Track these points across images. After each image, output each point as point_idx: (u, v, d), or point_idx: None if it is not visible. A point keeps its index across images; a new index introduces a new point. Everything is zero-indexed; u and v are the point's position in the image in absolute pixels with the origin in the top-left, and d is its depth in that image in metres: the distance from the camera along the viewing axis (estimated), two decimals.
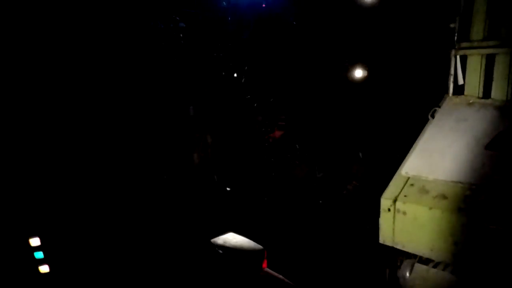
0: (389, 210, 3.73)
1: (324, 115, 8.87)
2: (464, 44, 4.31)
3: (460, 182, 3.50)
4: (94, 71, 7.35)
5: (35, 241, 5.52)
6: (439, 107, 4.33)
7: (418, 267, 3.60)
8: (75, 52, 7.13)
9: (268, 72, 9.06)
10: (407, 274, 3.68)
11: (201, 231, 5.69)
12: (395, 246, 3.67)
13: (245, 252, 4.69)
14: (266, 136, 9.00)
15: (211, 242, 5.03)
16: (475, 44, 4.24)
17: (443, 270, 3.47)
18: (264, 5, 8.88)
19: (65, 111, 6.86)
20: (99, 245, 6.12)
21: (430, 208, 3.44)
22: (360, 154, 8.32)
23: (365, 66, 8.62)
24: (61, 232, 5.91)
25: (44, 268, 5.57)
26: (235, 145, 8.73)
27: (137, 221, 6.70)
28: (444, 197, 3.47)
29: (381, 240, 3.78)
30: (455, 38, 4.36)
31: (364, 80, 8.67)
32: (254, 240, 4.85)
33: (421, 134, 4.17)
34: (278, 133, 9.06)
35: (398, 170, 3.95)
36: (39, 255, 5.53)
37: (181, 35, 8.22)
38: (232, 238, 5.07)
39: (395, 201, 3.70)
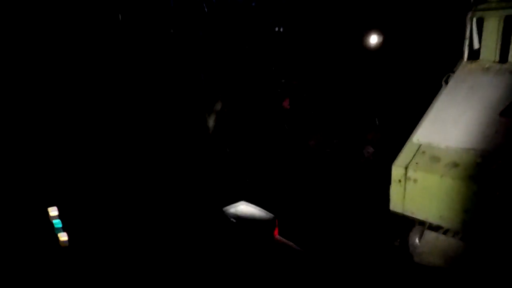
0: (400, 177, 3.79)
1: (339, 81, 8.82)
2: (481, 6, 4.22)
3: (472, 149, 3.53)
4: (108, 49, 7.43)
5: (53, 211, 5.74)
6: (454, 72, 4.29)
7: (428, 234, 3.69)
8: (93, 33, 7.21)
9: (282, 38, 8.99)
10: (417, 241, 3.78)
11: (214, 200, 5.84)
12: (405, 214, 3.76)
13: (256, 221, 4.82)
14: (282, 103, 9.04)
15: (223, 211, 5.16)
16: (493, 5, 4.15)
17: (453, 237, 3.55)
18: None
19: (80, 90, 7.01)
20: (114, 214, 6.33)
21: (441, 176, 3.50)
22: (376, 121, 8.32)
23: (380, 31, 8.49)
24: (79, 201, 6.13)
25: (63, 236, 5.80)
26: (249, 112, 8.83)
27: (152, 191, 6.88)
28: (455, 164, 3.51)
29: (391, 207, 3.87)
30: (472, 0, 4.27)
31: (379, 46, 8.56)
32: (265, 209, 4.97)
33: (434, 101, 4.17)
34: (286, 101, 9.06)
35: (410, 138, 3.98)
36: (57, 224, 5.76)
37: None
38: (243, 207, 5.19)
39: (406, 168, 3.75)
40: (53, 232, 5.70)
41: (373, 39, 8.71)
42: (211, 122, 8.72)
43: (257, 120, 8.84)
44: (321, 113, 8.93)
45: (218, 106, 8.78)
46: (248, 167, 8.10)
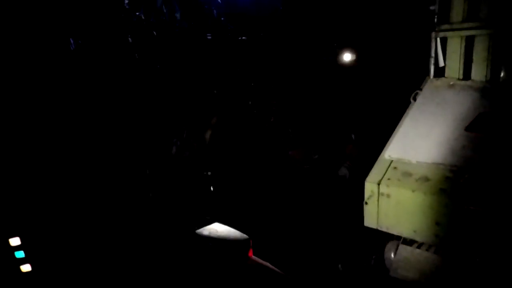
0: (373, 193, 3.90)
1: (315, 98, 9.09)
2: (444, 26, 4.48)
3: (442, 164, 3.69)
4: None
5: (15, 241, 5.57)
6: (421, 89, 4.51)
7: (402, 248, 3.80)
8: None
9: (257, 58, 9.24)
10: (392, 255, 3.88)
11: (186, 222, 5.81)
12: (379, 229, 3.86)
13: (230, 242, 4.82)
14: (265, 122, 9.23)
15: (196, 233, 5.13)
16: (455, 26, 4.41)
17: (427, 250, 3.67)
18: None
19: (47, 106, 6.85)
20: (82, 241, 6.18)
21: (413, 191, 3.63)
22: (353, 136, 8.57)
23: (353, 49, 8.89)
24: (42, 231, 5.96)
25: (25, 268, 5.62)
26: (229, 131, 8.99)
27: (121, 216, 6.78)
28: (426, 179, 3.65)
29: (366, 223, 3.96)
30: (435, 20, 4.52)
31: (352, 63, 8.95)
32: (242, 229, 4.99)
33: (403, 117, 4.35)
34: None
35: (381, 154, 4.12)
36: (19, 254, 5.58)
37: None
38: (217, 228, 5.18)
39: (379, 184, 3.87)
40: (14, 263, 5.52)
41: (347, 57, 9.10)
42: (207, 135, 8.79)
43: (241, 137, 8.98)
44: (300, 129, 9.12)
45: (214, 120, 8.89)
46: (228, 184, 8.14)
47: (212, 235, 4.99)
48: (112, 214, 6.74)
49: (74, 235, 6.22)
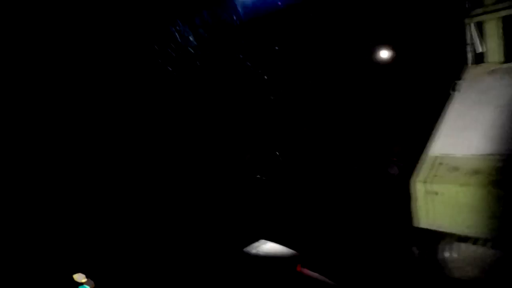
0: (420, 192, 3.83)
1: (358, 100, 9.15)
2: (477, 11, 4.41)
3: (491, 154, 3.59)
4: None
5: (79, 277, 5.91)
6: (460, 79, 4.41)
7: (458, 245, 3.70)
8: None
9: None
10: (447, 254, 3.77)
11: (233, 240, 5.91)
12: (431, 228, 3.77)
13: (278, 258, 4.88)
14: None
15: (244, 252, 5.23)
16: (489, 8, 4.33)
17: (484, 245, 3.54)
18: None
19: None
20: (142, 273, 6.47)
21: (462, 185, 3.54)
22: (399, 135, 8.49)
23: (388, 46, 8.89)
24: (106, 266, 6.31)
25: None
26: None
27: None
28: (475, 172, 3.56)
29: (416, 224, 3.89)
30: (467, 6, 4.44)
31: (389, 60, 8.93)
32: (289, 242, 5.04)
33: (444, 111, 4.26)
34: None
35: (425, 151, 4.05)
36: None
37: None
38: (264, 246, 5.27)
39: (425, 182, 3.80)
40: None
41: (384, 54, 9.11)
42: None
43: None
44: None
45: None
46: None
47: (260, 253, 5.07)
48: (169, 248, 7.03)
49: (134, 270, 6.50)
